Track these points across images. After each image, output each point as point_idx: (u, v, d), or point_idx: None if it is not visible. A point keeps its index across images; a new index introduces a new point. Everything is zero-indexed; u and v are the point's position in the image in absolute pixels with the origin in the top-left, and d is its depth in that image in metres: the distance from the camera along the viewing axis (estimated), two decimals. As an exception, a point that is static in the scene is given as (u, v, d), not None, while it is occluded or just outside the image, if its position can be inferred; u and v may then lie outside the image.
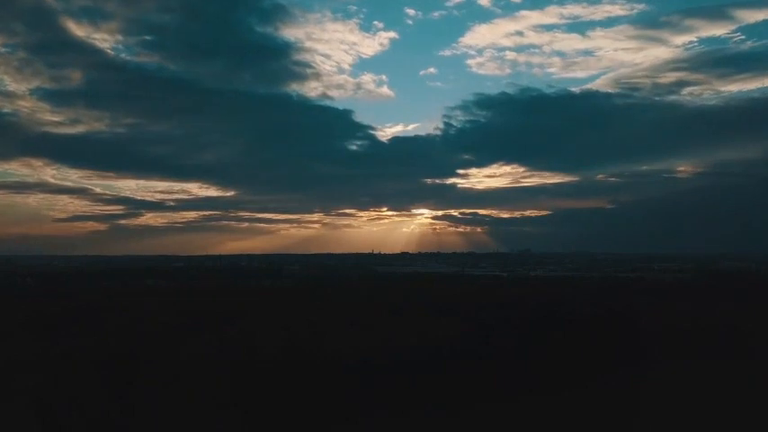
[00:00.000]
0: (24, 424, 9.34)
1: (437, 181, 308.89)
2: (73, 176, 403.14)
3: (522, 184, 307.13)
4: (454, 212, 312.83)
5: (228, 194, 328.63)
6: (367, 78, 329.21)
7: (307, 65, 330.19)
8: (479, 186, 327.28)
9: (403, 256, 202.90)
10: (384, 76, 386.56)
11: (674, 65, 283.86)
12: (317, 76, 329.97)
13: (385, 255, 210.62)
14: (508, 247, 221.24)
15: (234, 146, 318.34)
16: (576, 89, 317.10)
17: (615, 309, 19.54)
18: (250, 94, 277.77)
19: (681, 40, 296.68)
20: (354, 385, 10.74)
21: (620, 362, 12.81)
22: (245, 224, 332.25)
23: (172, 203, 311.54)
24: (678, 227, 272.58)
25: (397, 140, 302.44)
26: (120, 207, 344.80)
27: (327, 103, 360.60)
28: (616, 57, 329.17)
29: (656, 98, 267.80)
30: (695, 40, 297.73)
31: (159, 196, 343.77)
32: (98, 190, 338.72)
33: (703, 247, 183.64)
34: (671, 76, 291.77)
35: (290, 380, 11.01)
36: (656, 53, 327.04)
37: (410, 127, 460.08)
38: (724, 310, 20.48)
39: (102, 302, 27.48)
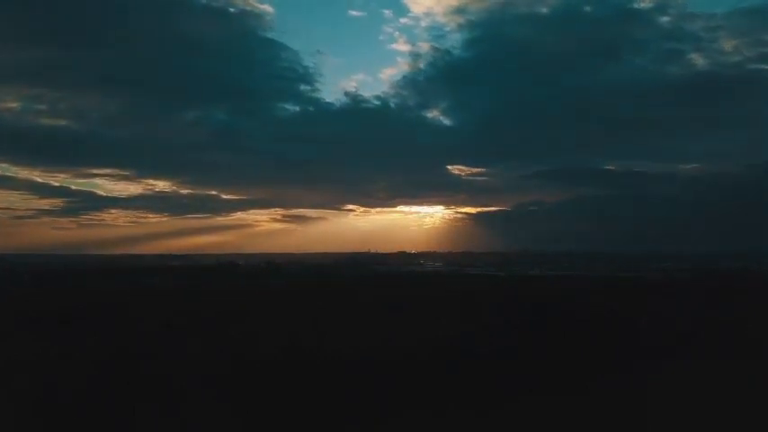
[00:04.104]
0: (24, 424, 9.30)
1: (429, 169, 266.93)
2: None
3: (519, 173, 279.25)
4: (450, 208, 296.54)
5: (163, 186, 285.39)
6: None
7: None
8: (477, 176, 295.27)
9: (401, 255, 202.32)
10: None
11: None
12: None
13: (383, 253, 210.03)
14: (506, 245, 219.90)
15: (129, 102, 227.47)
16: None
17: (615, 309, 19.59)
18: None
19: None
20: (354, 385, 10.73)
21: (620, 361, 12.82)
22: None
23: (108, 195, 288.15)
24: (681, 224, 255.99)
25: (351, 102, 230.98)
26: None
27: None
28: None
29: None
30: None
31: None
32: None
33: (704, 246, 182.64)
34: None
35: (291, 380, 11.00)
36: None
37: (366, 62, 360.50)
38: (724, 309, 20.52)
39: (102, 301, 27.43)
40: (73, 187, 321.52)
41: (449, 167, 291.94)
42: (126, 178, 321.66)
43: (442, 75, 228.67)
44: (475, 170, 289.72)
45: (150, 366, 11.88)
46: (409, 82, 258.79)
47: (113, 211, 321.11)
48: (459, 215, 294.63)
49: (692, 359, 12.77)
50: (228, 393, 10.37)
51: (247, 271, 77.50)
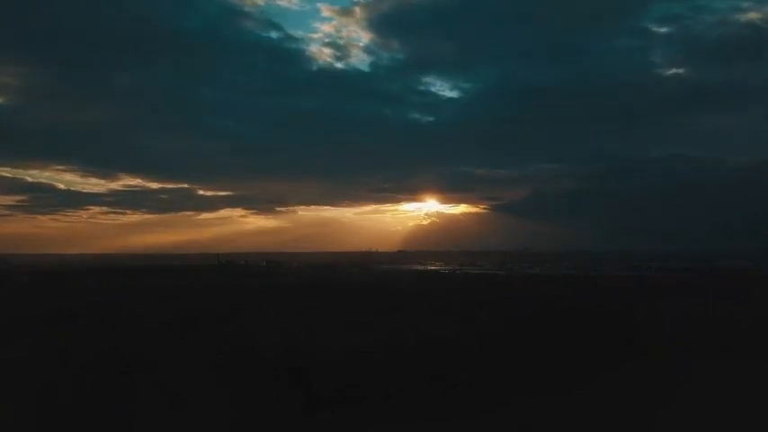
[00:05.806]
0: (24, 423, 9.30)
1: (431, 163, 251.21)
2: None
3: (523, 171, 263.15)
4: (452, 205, 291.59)
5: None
6: None
7: None
8: (480, 169, 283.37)
9: (401, 254, 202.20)
10: None
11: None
12: None
13: (383, 252, 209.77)
14: (504, 244, 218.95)
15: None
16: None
17: (615, 309, 19.58)
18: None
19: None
20: (351, 385, 10.72)
21: (619, 361, 12.82)
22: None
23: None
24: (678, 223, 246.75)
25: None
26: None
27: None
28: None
29: None
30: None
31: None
32: None
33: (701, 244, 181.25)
34: None
35: (289, 379, 11.00)
36: None
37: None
38: (724, 307, 20.52)
39: (101, 300, 27.43)
40: (29, 179, 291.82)
41: (451, 160, 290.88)
42: (85, 171, 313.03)
43: (434, 15, 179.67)
44: (479, 162, 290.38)
45: (149, 366, 11.87)
46: (395, 26, 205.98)
47: (90, 207, 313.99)
48: (461, 213, 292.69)
49: (691, 359, 12.76)
50: (227, 392, 10.37)
51: (247, 269, 77.52)
